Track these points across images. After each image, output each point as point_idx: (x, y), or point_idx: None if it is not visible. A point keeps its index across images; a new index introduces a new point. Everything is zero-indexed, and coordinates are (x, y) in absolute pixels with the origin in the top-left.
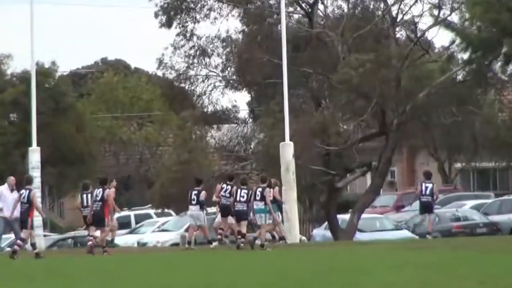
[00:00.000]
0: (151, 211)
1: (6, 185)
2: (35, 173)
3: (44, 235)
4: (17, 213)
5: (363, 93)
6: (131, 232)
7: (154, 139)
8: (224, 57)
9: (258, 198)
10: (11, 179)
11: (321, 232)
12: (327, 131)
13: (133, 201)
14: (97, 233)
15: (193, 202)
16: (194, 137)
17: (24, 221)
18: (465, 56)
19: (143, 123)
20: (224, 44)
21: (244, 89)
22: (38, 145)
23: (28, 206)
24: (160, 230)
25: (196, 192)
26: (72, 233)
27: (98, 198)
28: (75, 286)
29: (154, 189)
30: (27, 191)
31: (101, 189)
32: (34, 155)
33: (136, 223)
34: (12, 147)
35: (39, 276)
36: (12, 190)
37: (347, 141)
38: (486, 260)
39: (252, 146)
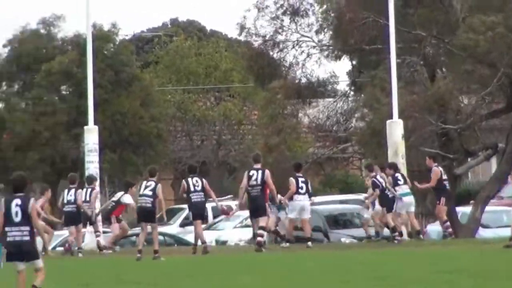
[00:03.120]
0: (233, 203)
1: None
2: (92, 157)
3: (104, 232)
4: None
5: (488, 61)
6: (208, 228)
7: (235, 116)
8: (319, 17)
9: None
10: None
11: (436, 228)
12: (444, 105)
13: None
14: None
15: (301, 191)
16: (284, 113)
17: (261, 207)
18: None
19: (222, 97)
20: (319, 1)
21: (344, 56)
22: (95, 124)
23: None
24: (243, 225)
25: (303, 179)
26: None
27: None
28: None
29: (238, 179)
30: (260, 172)
31: (152, 182)
32: (91, 136)
33: (214, 217)
34: (63, 128)
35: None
36: None
37: (468, 118)
38: None
39: (353, 125)
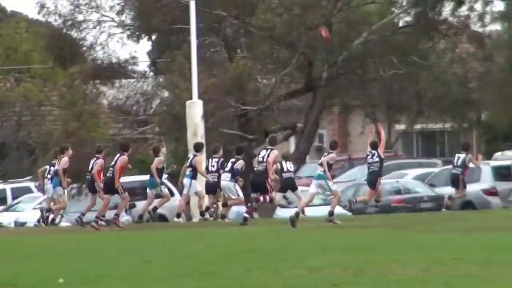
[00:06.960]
0: (32, 184)
1: None
2: None
3: None
4: None
5: (286, 42)
6: (7, 210)
7: (35, 97)
8: None
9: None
10: None
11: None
12: (243, 87)
13: (10, 172)
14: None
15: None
16: (85, 97)
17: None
18: None
19: (22, 78)
20: None
21: (144, 36)
22: None
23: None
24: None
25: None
26: None
27: None
28: None
29: (39, 161)
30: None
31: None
32: None
33: (13, 198)
34: None
35: None
36: None
37: (267, 99)
38: (430, 241)
39: (154, 106)
